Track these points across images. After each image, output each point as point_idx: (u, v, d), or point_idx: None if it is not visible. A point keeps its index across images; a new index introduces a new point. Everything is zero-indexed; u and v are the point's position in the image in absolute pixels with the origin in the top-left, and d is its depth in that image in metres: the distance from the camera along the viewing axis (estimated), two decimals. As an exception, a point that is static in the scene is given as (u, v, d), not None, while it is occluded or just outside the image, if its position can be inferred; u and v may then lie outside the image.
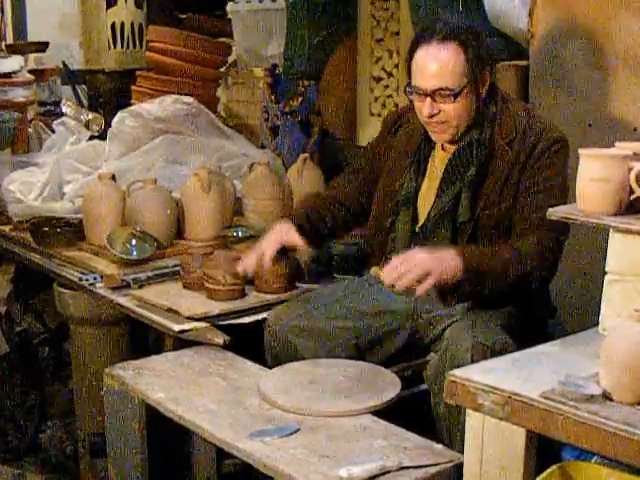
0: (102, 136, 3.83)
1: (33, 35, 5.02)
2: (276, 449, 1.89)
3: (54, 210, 3.37)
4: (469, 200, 2.26)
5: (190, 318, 2.51)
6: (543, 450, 1.69)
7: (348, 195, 2.61)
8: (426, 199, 2.37)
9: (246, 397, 2.17)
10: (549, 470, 1.57)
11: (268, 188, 3.33)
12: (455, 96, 2.21)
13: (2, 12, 5.02)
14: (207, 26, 4.48)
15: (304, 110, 4.21)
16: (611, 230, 1.81)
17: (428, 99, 2.23)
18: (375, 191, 2.54)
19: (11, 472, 3.41)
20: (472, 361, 1.98)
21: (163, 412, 2.17)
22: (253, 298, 2.67)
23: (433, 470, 1.80)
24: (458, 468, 1.79)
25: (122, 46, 4.68)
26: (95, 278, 2.87)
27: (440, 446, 1.91)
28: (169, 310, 2.58)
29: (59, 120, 3.98)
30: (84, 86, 4.89)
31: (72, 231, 3.19)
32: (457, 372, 1.76)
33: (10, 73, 4.17)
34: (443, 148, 2.38)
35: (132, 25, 4.67)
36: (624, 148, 1.84)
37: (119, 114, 3.61)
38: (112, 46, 4.65)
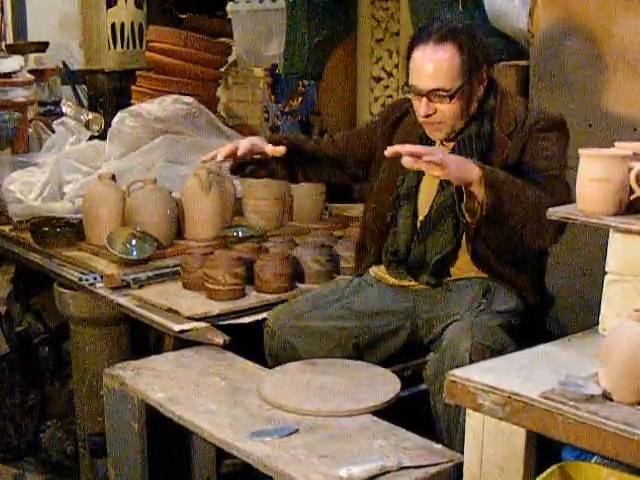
0: (102, 136, 3.83)
1: (33, 35, 5.01)
2: (276, 449, 1.88)
3: (54, 210, 3.37)
4: None
5: (190, 318, 2.52)
6: (543, 450, 1.69)
7: (333, 149, 2.59)
8: (427, 193, 2.37)
9: (246, 397, 2.17)
10: (549, 470, 1.57)
11: (268, 188, 3.33)
12: (451, 97, 2.22)
13: (2, 12, 5.01)
14: (207, 26, 4.48)
15: (304, 110, 4.22)
16: (611, 230, 1.81)
17: (424, 99, 2.24)
18: (358, 165, 2.55)
19: (11, 472, 3.42)
20: (471, 361, 1.98)
21: (163, 412, 2.17)
22: (253, 298, 2.67)
23: (433, 470, 1.80)
24: (458, 468, 1.79)
25: (122, 46, 4.68)
26: (95, 278, 2.87)
27: (440, 446, 1.91)
28: (169, 310, 2.58)
29: (59, 120, 3.99)
30: (84, 86, 4.90)
31: (72, 231, 3.19)
32: (457, 372, 1.76)
33: (10, 73, 4.17)
34: (443, 143, 2.38)
35: (132, 25, 4.67)
36: (624, 148, 1.84)
37: (119, 114, 3.61)
38: (112, 46, 4.65)
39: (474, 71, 2.24)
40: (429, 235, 2.34)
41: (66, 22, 5.10)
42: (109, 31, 4.64)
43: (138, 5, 4.70)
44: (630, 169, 1.77)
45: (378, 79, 3.93)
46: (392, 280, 2.45)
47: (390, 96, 3.88)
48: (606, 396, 1.57)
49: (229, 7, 4.50)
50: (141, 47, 4.66)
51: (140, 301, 2.68)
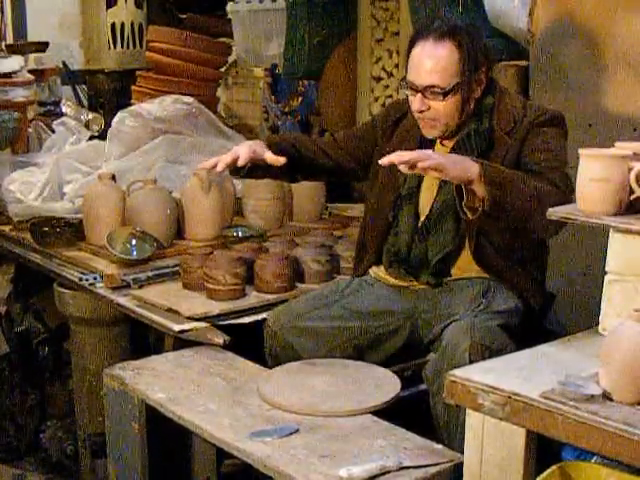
0: (102, 136, 3.83)
1: (33, 35, 5.01)
2: (276, 449, 1.89)
3: (54, 210, 3.37)
4: None
5: (190, 318, 2.52)
6: (543, 450, 1.69)
7: (332, 147, 2.58)
8: (428, 193, 2.37)
9: (246, 397, 2.17)
10: (549, 470, 1.57)
11: (268, 188, 3.33)
12: (444, 95, 2.22)
13: (2, 12, 5.01)
14: (207, 26, 4.48)
15: (304, 110, 4.22)
16: (611, 230, 1.81)
17: (419, 95, 2.25)
18: (358, 164, 2.55)
19: (11, 472, 3.42)
20: (470, 361, 1.98)
21: (163, 412, 2.17)
22: (253, 298, 2.67)
23: (433, 470, 1.80)
24: (458, 468, 1.79)
25: (122, 46, 4.68)
26: (95, 278, 2.87)
27: (440, 446, 1.91)
28: (169, 310, 2.58)
29: (59, 120, 3.99)
30: (84, 86, 4.89)
31: (72, 231, 3.19)
32: (457, 372, 1.76)
33: (10, 73, 4.17)
34: (442, 143, 2.38)
35: (132, 25, 4.67)
36: (624, 148, 1.84)
37: (119, 114, 3.61)
38: (112, 46, 4.65)
39: (472, 71, 2.24)
40: (430, 235, 2.34)
41: (66, 22, 5.10)
42: (109, 31, 4.64)
43: (138, 5, 4.70)
44: (630, 169, 1.77)
45: (378, 79, 3.93)
46: (392, 280, 2.45)
47: (390, 96, 3.88)
48: (606, 396, 1.57)
49: (229, 7, 4.50)
50: (141, 47, 4.66)
51: (140, 301, 2.68)
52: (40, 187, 3.47)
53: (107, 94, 4.71)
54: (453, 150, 2.31)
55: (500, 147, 2.28)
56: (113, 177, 3.17)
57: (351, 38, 3.98)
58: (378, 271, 2.49)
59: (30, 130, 4.17)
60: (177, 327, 2.48)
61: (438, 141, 2.38)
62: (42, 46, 4.64)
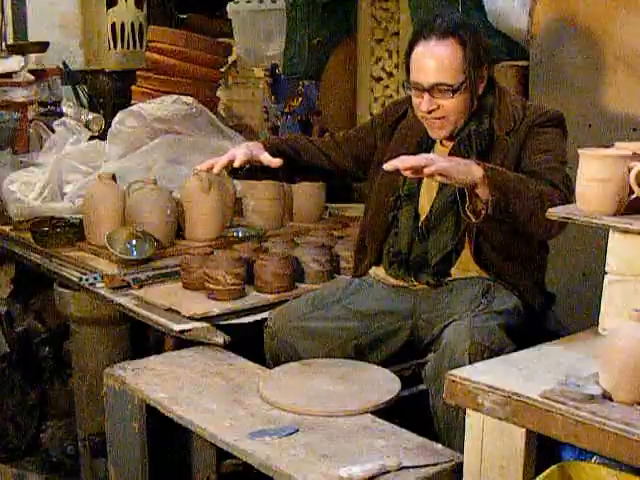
0: (102, 136, 3.83)
1: (33, 35, 5.01)
2: (276, 449, 1.89)
3: (54, 210, 3.37)
4: None
5: (190, 318, 2.52)
6: (543, 450, 1.69)
7: (331, 148, 2.57)
8: (428, 193, 2.37)
9: (246, 397, 2.17)
10: (549, 470, 1.57)
11: (268, 188, 3.33)
12: (453, 92, 2.22)
13: (2, 12, 5.01)
14: (207, 26, 4.48)
15: (304, 110, 4.22)
16: (611, 230, 1.81)
17: (426, 95, 2.24)
18: (357, 165, 2.55)
19: (11, 472, 3.42)
20: (470, 361, 1.97)
21: (163, 412, 2.17)
22: (253, 298, 2.67)
23: (433, 470, 1.80)
24: (458, 468, 1.79)
25: (122, 46, 4.68)
26: (95, 278, 2.87)
27: (440, 446, 1.91)
28: (169, 310, 2.58)
29: (59, 120, 3.99)
30: (84, 86, 4.89)
31: (72, 231, 3.19)
32: (457, 372, 1.76)
33: (10, 73, 4.17)
34: (442, 143, 2.38)
35: (132, 25, 4.67)
36: (624, 148, 1.84)
37: (119, 114, 3.61)
38: (112, 46, 4.65)
39: (476, 67, 2.24)
40: (430, 235, 2.34)
41: (66, 22, 5.09)
42: (109, 31, 4.63)
43: (138, 5, 4.70)
44: (630, 169, 1.77)
45: (378, 79, 3.93)
46: (392, 281, 2.45)
47: (390, 96, 3.88)
48: (606, 396, 1.57)
49: (229, 7, 4.50)
50: (141, 47, 4.66)
51: (140, 301, 2.68)
52: (40, 187, 3.47)
53: (107, 94, 4.71)
54: (453, 150, 2.31)
55: (500, 147, 2.28)
56: (113, 177, 3.17)
57: (351, 38, 3.99)
58: (378, 271, 2.49)
59: (30, 130, 4.17)
60: (177, 327, 2.48)
61: (438, 141, 2.38)
62: (42, 46, 4.64)
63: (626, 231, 1.77)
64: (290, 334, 2.37)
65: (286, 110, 4.27)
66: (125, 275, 2.81)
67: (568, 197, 2.06)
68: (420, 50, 2.24)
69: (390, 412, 2.09)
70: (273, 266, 2.69)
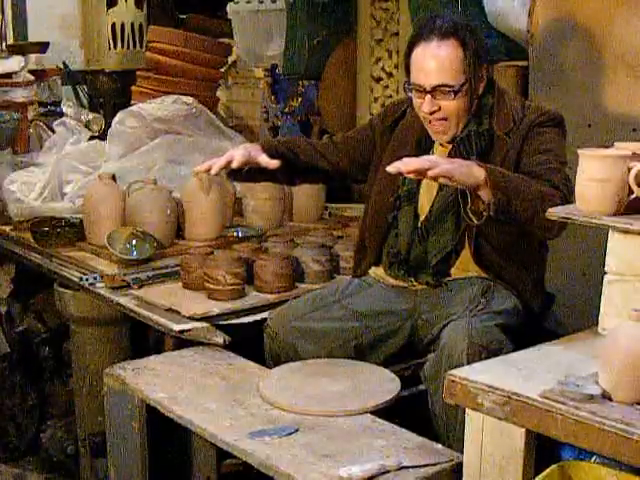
0: (102, 136, 3.83)
1: (33, 35, 5.01)
2: (276, 449, 1.89)
3: (54, 210, 3.37)
4: None
5: (190, 318, 2.52)
6: (543, 450, 1.70)
7: (330, 151, 2.58)
8: (428, 193, 2.37)
9: (246, 397, 2.17)
10: (549, 470, 1.57)
11: (268, 188, 3.33)
12: (455, 93, 2.22)
13: (2, 12, 5.01)
14: (207, 26, 4.48)
15: (304, 110, 4.22)
16: (610, 230, 1.81)
17: (428, 96, 2.23)
18: (356, 167, 2.55)
19: (11, 472, 3.42)
20: (468, 362, 1.97)
21: (163, 412, 2.17)
22: (253, 298, 2.67)
23: (433, 470, 1.80)
24: (458, 468, 1.79)
25: (122, 46, 4.67)
26: (95, 278, 2.87)
27: (440, 446, 1.91)
28: (169, 310, 2.58)
29: (59, 120, 3.98)
30: (84, 86, 4.89)
31: (72, 231, 3.19)
32: (456, 372, 1.77)
33: (10, 73, 4.18)
34: (441, 143, 2.38)
35: (132, 25, 4.67)
36: (624, 148, 1.85)
37: (119, 114, 3.61)
38: (112, 46, 4.65)
39: (476, 67, 2.24)
40: (430, 235, 2.34)
41: (66, 22, 5.09)
42: (109, 31, 4.63)
43: (138, 5, 4.70)
44: (630, 169, 1.77)
45: (378, 79, 3.93)
46: (392, 281, 2.45)
47: (390, 96, 3.88)
48: (606, 396, 1.57)
49: (229, 7, 4.50)
50: (141, 47, 4.65)
51: (140, 301, 2.68)
52: (40, 187, 3.47)
53: (107, 94, 4.70)
54: (452, 151, 2.31)
55: (500, 147, 2.28)
56: (113, 177, 3.17)
57: (351, 38, 3.99)
58: (378, 271, 2.49)
59: (30, 130, 4.17)
60: (177, 327, 2.48)
61: (439, 143, 2.38)
62: (42, 46, 4.64)
63: (626, 231, 1.77)
64: (290, 334, 2.37)
65: (286, 110, 4.27)
66: (125, 275, 2.81)
67: (568, 197, 2.05)
68: (420, 51, 2.24)
69: (390, 412, 2.09)
70: (273, 266, 2.69)
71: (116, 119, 3.60)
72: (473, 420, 1.72)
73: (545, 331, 2.35)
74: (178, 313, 2.55)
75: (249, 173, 2.46)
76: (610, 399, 1.56)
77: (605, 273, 1.85)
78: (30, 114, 4.27)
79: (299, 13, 3.97)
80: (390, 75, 3.89)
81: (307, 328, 2.37)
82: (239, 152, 2.35)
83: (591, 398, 1.56)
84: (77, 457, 3.26)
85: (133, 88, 4.13)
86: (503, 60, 3.11)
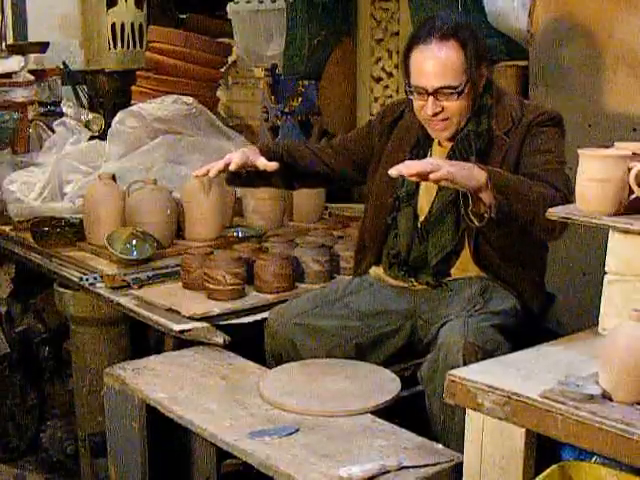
0: (102, 136, 3.83)
1: (33, 35, 5.01)
2: (276, 449, 1.89)
3: (54, 210, 3.37)
4: None
5: (190, 318, 2.52)
6: (543, 450, 1.69)
7: (329, 154, 2.58)
8: (427, 194, 2.37)
9: (246, 397, 2.17)
10: (549, 470, 1.57)
11: (268, 188, 3.32)
12: (459, 93, 2.21)
13: (2, 12, 5.01)
14: (207, 26, 4.47)
15: (304, 110, 4.21)
16: (611, 230, 1.81)
17: (431, 98, 2.23)
18: (356, 169, 2.55)
19: (11, 472, 3.42)
20: (464, 362, 1.97)
21: (163, 412, 2.17)
22: (253, 298, 2.67)
23: (433, 470, 1.80)
24: (458, 468, 1.79)
25: (122, 46, 4.68)
26: (95, 278, 2.87)
27: (440, 446, 1.91)
28: (169, 310, 2.58)
29: (59, 120, 3.98)
30: (84, 86, 4.89)
31: (72, 231, 3.19)
32: (456, 372, 1.76)
33: (10, 73, 4.17)
34: (440, 143, 2.37)
35: (132, 25, 4.67)
36: (624, 148, 1.85)
37: (119, 114, 3.61)
38: (112, 46, 4.65)
39: (476, 66, 2.24)
40: (430, 236, 2.34)
41: (66, 22, 5.09)
42: (109, 31, 4.63)
43: (138, 5, 4.70)
44: (630, 169, 1.77)
45: (378, 79, 3.93)
46: (392, 281, 2.45)
47: (390, 96, 3.88)
48: (606, 396, 1.57)
49: (229, 7, 4.50)
50: (141, 47, 4.66)
51: (140, 301, 2.68)
52: (40, 187, 3.47)
53: (107, 94, 4.71)
54: (452, 151, 2.31)
55: (499, 147, 2.28)
56: (113, 177, 3.17)
57: (351, 38, 3.99)
58: (378, 271, 2.49)
59: (30, 130, 4.17)
60: (177, 327, 2.48)
61: (436, 142, 2.38)
62: (42, 46, 4.64)
63: (626, 231, 1.77)
64: (290, 331, 2.37)
65: (286, 110, 4.26)
66: (125, 275, 2.81)
67: (569, 198, 2.05)
68: (420, 53, 2.23)
69: (390, 412, 2.09)
70: (273, 266, 2.69)
71: (116, 119, 3.60)
72: (473, 420, 1.72)
73: (545, 331, 2.35)
74: (178, 313, 2.55)
75: (248, 178, 2.47)
76: (610, 399, 1.56)
77: (605, 273, 1.85)
78: (30, 114, 4.27)
79: (299, 13, 3.97)
80: (390, 75, 3.89)
81: (307, 325, 2.37)
82: (237, 155, 2.35)
83: (591, 398, 1.56)
84: (77, 457, 3.26)
85: (133, 88, 4.13)
86: (503, 60, 3.11)
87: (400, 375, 2.27)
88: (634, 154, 1.80)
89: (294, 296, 2.62)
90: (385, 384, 2.18)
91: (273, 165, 2.36)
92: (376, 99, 3.95)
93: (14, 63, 4.25)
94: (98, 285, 2.84)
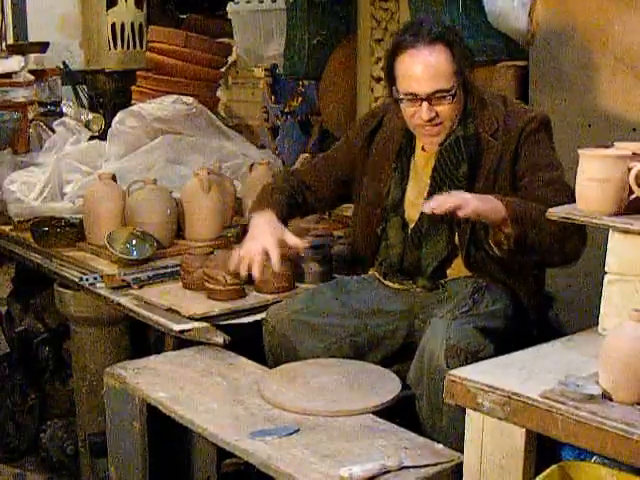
0: (102, 136, 3.83)
1: (33, 35, 5.02)
2: (276, 449, 1.89)
3: (54, 210, 3.37)
4: None
5: (190, 318, 2.52)
6: (543, 450, 1.70)
7: (316, 181, 2.59)
8: (414, 202, 2.36)
9: (247, 397, 2.17)
10: (549, 470, 1.57)
11: (268, 188, 3.32)
12: (453, 96, 2.21)
13: (2, 12, 5.02)
14: (207, 26, 4.48)
15: (304, 110, 4.22)
16: (611, 230, 1.81)
17: (425, 103, 2.21)
18: (345, 187, 2.56)
19: (11, 472, 3.42)
20: (447, 365, 1.97)
21: (163, 412, 2.17)
22: (253, 298, 2.67)
23: (433, 470, 1.80)
24: (458, 468, 1.80)
25: (122, 46, 4.68)
26: (95, 278, 2.87)
27: (440, 446, 1.91)
28: (169, 310, 2.58)
29: (59, 120, 3.99)
30: (84, 86, 4.90)
31: (72, 231, 3.19)
32: (457, 372, 1.77)
33: (10, 73, 4.18)
34: (423, 149, 2.37)
35: (132, 25, 4.67)
36: (624, 148, 1.85)
37: (119, 114, 3.62)
38: (112, 46, 4.65)
39: (465, 68, 2.24)
40: (422, 243, 2.33)
41: (66, 22, 5.10)
42: (109, 31, 4.63)
43: (138, 5, 4.70)
44: (630, 169, 1.78)
45: (378, 79, 3.93)
46: (390, 284, 2.45)
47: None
48: (606, 396, 1.57)
49: (229, 7, 4.50)
50: (141, 47, 4.66)
51: (140, 301, 2.68)
52: (40, 187, 3.47)
53: (107, 94, 4.71)
54: (441, 156, 2.29)
55: (489, 152, 2.27)
56: (113, 177, 3.17)
57: (351, 38, 3.98)
58: (377, 273, 2.50)
59: (30, 130, 4.17)
60: (177, 327, 2.48)
61: (419, 148, 2.36)
62: (42, 46, 4.65)
63: (626, 231, 1.78)
64: (288, 328, 2.36)
65: (286, 110, 4.27)
66: (125, 275, 2.81)
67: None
68: (410, 58, 2.20)
69: (390, 412, 2.09)
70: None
71: (116, 119, 3.60)
72: (473, 420, 1.72)
73: (545, 331, 2.35)
74: (178, 313, 2.55)
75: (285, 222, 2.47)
76: (610, 399, 1.56)
77: (605, 273, 1.85)
78: (30, 114, 4.27)
79: (299, 13, 3.97)
80: (390, 75, 3.88)
81: (305, 322, 2.36)
82: (273, 253, 2.33)
83: (591, 398, 1.56)
84: (77, 457, 3.26)
85: (133, 88, 4.14)
86: (503, 60, 3.11)
87: (400, 375, 2.26)
88: (634, 154, 1.80)
89: (293, 296, 2.62)
90: (386, 384, 2.18)
91: (303, 245, 2.42)
92: (376, 99, 3.95)
93: (14, 63, 4.25)
94: (98, 285, 2.84)
